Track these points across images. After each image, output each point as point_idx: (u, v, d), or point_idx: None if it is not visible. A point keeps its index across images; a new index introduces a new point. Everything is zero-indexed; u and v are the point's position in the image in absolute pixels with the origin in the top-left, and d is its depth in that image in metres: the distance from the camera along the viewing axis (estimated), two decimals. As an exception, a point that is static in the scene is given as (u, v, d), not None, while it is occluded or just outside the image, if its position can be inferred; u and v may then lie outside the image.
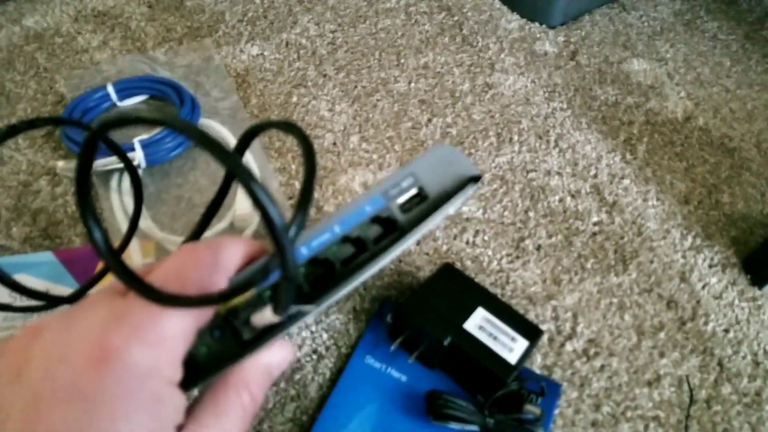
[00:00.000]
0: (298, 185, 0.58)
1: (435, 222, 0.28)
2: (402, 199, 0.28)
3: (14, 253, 0.52)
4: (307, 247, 0.25)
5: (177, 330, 0.21)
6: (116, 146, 0.36)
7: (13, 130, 0.28)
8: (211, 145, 0.18)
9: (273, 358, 0.25)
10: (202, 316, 0.22)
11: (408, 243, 0.27)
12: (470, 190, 0.29)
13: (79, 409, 0.18)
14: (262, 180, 0.57)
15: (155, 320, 0.20)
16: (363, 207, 0.27)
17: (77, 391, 0.18)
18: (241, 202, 0.55)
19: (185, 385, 0.22)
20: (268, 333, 0.24)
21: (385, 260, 0.26)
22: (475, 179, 0.29)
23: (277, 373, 0.26)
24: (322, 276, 0.26)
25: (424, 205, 0.28)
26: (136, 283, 0.20)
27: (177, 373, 0.21)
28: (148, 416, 0.19)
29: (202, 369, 0.23)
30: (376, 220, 0.27)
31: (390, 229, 0.27)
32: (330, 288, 0.25)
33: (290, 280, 0.19)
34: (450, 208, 0.28)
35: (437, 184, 0.28)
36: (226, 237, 0.26)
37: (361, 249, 0.27)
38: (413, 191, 0.28)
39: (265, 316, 0.23)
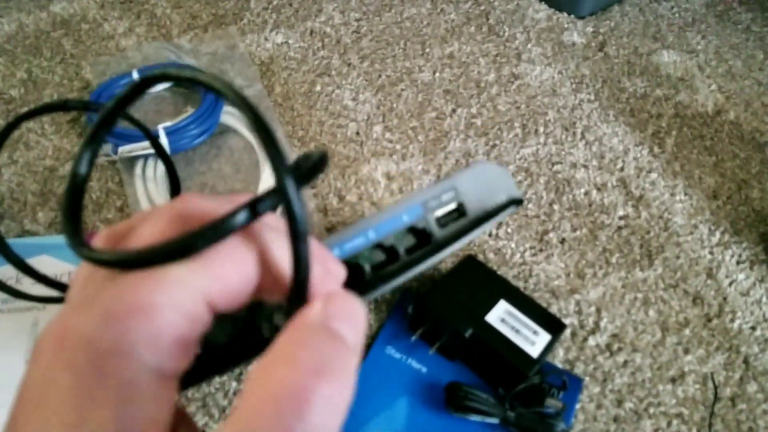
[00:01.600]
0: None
1: (469, 239, 0.27)
2: (440, 212, 0.27)
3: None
4: (339, 249, 0.25)
5: (164, 300, 0.14)
6: (147, 131, 0.36)
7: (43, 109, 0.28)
8: (233, 93, 0.16)
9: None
10: (216, 285, 0.15)
11: (440, 257, 0.27)
12: (509, 212, 0.28)
13: (38, 413, 0.14)
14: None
15: (130, 288, 0.15)
16: (400, 215, 0.26)
17: (45, 385, 0.14)
18: (265, 182, 0.55)
19: (196, 375, 0.21)
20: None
21: (416, 271, 0.26)
22: (517, 202, 0.28)
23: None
24: (351, 280, 0.26)
25: (462, 221, 0.28)
26: (70, 226, 0.16)
27: (165, 358, 0.14)
28: (111, 413, 0.14)
29: (217, 361, 0.22)
30: (411, 230, 0.27)
31: (424, 240, 0.27)
32: (359, 294, 0.25)
33: (300, 235, 0.15)
34: (486, 227, 0.28)
35: (477, 201, 0.28)
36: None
37: (392, 257, 0.26)
38: (452, 206, 0.28)
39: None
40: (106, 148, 0.56)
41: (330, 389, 0.14)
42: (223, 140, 0.60)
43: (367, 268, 0.26)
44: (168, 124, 0.57)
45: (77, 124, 0.61)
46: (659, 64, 0.72)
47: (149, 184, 0.55)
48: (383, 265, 0.26)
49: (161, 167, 0.57)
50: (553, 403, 0.43)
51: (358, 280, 0.26)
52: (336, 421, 0.14)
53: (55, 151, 0.59)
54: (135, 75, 0.62)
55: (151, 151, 0.55)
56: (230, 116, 0.61)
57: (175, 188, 0.36)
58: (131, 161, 0.56)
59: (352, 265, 0.26)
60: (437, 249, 0.27)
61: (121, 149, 0.55)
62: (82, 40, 0.70)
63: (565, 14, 0.77)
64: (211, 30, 0.71)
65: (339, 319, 0.16)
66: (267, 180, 0.56)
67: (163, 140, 0.55)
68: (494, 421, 0.42)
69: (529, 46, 0.72)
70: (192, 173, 0.57)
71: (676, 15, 0.80)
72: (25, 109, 0.62)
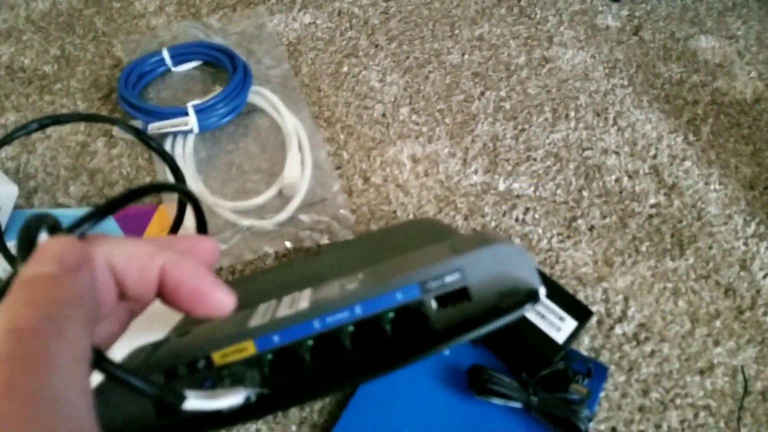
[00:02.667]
0: (346, 155, 0.58)
1: (470, 338, 0.23)
2: (440, 293, 0.24)
3: (72, 211, 0.53)
4: (320, 321, 0.23)
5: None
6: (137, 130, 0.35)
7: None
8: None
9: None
10: None
11: (437, 350, 0.23)
12: (524, 310, 0.23)
13: None
14: (311, 148, 0.57)
15: None
16: (394, 294, 0.23)
17: None
18: (289, 170, 0.55)
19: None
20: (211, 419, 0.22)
21: (409, 361, 0.23)
22: (534, 298, 0.23)
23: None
24: (329, 355, 0.23)
25: (464, 306, 0.24)
26: None
27: None
28: None
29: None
30: (403, 308, 0.23)
31: (417, 321, 0.24)
32: (339, 378, 0.23)
33: None
34: (493, 327, 0.23)
35: (486, 289, 0.24)
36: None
37: (377, 333, 0.23)
38: (455, 287, 0.24)
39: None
40: (137, 124, 0.56)
41: (21, 321, 0.16)
42: (251, 120, 0.60)
43: (347, 343, 0.23)
44: (197, 102, 0.57)
45: (108, 101, 0.62)
46: (696, 50, 0.70)
47: (178, 160, 0.56)
48: (365, 342, 0.23)
49: (190, 144, 0.57)
50: (577, 389, 0.42)
51: (336, 355, 0.23)
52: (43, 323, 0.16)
53: (87, 126, 0.60)
54: (165, 53, 0.62)
55: (181, 128, 0.55)
56: (258, 96, 0.61)
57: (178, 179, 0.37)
58: (161, 138, 0.57)
59: (327, 337, 0.23)
60: (432, 339, 0.23)
61: (151, 126, 0.55)
62: (113, 18, 0.70)
63: (600, -3, 0.75)
64: (240, 9, 0.71)
65: (32, 266, 0.18)
66: (293, 160, 0.56)
67: (192, 118, 0.55)
68: (517, 405, 0.42)
69: (562, 29, 0.70)
70: (219, 152, 0.58)
71: (716, -1, 0.77)
72: (58, 86, 0.64)
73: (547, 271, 0.50)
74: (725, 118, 0.63)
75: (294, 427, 0.43)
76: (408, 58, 0.66)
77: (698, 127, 0.62)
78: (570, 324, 0.44)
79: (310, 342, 0.23)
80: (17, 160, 0.57)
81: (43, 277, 0.17)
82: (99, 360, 0.18)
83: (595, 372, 0.44)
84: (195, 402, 0.20)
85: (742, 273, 0.51)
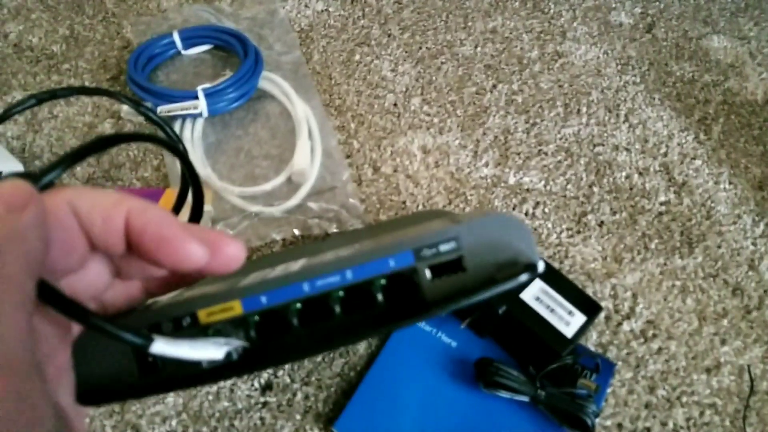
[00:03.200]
0: (356, 144, 0.58)
1: (464, 305, 0.23)
2: (434, 262, 0.23)
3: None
4: (310, 284, 0.23)
5: None
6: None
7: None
8: None
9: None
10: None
11: (426, 317, 0.23)
12: (521, 280, 0.23)
13: None
14: (321, 136, 0.57)
15: None
16: (387, 260, 0.23)
17: None
18: (299, 157, 0.55)
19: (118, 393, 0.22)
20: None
21: (397, 326, 0.23)
22: (532, 269, 0.23)
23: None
24: (317, 320, 0.23)
25: (458, 277, 0.23)
26: None
27: None
28: None
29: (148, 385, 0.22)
30: (395, 276, 0.23)
31: (408, 289, 0.23)
32: (327, 338, 0.23)
33: None
34: (488, 295, 0.23)
35: (482, 260, 0.23)
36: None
37: (366, 299, 0.23)
38: (450, 257, 0.23)
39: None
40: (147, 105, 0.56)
41: None
42: (261, 105, 0.60)
43: (336, 308, 0.23)
44: (207, 85, 0.56)
45: (117, 83, 0.61)
46: (709, 49, 0.69)
47: (187, 144, 0.55)
48: (355, 308, 0.23)
49: (199, 128, 0.57)
50: (586, 384, 0.42)
51: (325, 320, 0.23)
52: None
53: (94, 108, 0.59)
54: (176, 36, 0.62)
55: (191, 111, 0.55)
56: (268, 82, 0.60)
57: (189, 170, 0.36)
58: (170, 121, 0.56)
59: (316, 301, 0.23)
60: (422, 308, 0.23)
61: (160, 109, 0.55)
62: (124, 0, 0.70)
63: (614, -7, 0.74)
64: (252, -6, 0.71)
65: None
66: (302, 147, 0.55)
67: (202, 102, 0.55)
68: (524, 398, 0.42)
69: (575, 24, 0.70)
70: (228, 137, 0.57)
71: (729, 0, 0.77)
72: (66, 66, 0.63)
73: (556, 265, 0.50)
74: (736, 118, 0.63)
75: (298, 417, 0.43)
76: (420, 48, 0.66)
77: (709, 127, 0.61)
78: (579, 318, 0.44)
79: (299, 305, 0.23)
80: (23, 140, 0.57)
81: None
82: (47, 292, 0.18)
83: (602, 368, 0.44)
84: (163, 346, 0.20)
85: (750, 273, 0.51)
